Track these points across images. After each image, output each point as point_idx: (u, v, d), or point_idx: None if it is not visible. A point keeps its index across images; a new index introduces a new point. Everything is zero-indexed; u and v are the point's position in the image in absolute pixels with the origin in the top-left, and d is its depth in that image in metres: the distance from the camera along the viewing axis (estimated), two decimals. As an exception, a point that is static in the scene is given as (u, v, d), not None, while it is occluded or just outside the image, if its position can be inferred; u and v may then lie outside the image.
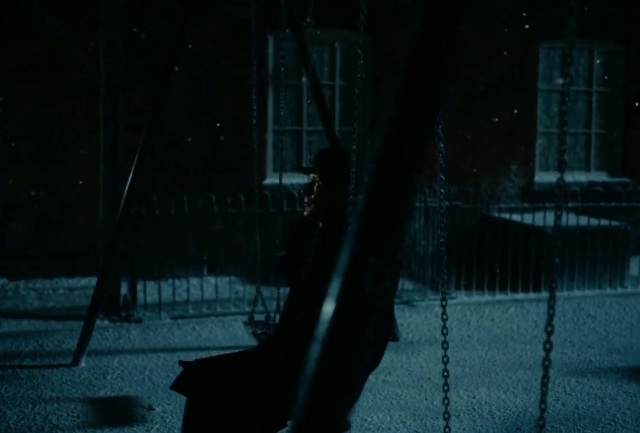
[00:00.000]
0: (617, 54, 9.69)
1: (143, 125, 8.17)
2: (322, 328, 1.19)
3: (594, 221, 8.24)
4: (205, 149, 8.62)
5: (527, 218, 8.20)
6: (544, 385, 2.29)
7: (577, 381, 5.38)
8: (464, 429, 4.55)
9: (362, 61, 2.86)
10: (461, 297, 7.78)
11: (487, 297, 7.79)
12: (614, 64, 9.72)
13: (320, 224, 3.40)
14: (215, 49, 8.49)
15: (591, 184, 9.47)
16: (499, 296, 7.83)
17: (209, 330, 6.68)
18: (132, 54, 7.76)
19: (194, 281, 7.92)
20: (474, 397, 5.06)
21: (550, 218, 8.12)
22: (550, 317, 2.19)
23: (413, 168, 1.17)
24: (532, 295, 7.90)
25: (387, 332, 3.17)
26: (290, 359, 3.20)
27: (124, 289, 7.30)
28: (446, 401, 2.85)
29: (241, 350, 3.62)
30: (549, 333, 2.17)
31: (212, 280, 8.11)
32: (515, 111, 9.29)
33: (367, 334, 1.18)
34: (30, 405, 4.87)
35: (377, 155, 1.20)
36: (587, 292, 8.13)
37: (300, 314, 3.31)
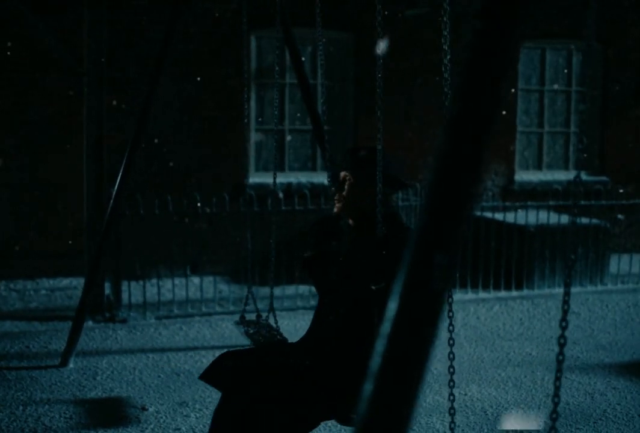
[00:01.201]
0: (596, 53, 9.80)
1: (125, 124, 8.16)
2: (388, 325, 1.20)
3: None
4: (188, 148, 8.59)
5: (509, 217, 8.27)
6: (557, 379, 2.32)
7: (565, 377, 5.44)
8: (458, 426, 4.58)
9: (381, 61, 2.86)
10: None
11: (470, 295, 7.84)
12: (592, 64, 9.83)
13: (350, 221, 3.39)
14: (197, 48, 8.46)
15: (570, 182, 9.56)
16: (482, 294, 7.88)
17: (196, 330, 6.67)
18: (115, 53, 7.72)
19: (177, 281, 7.88)
20: (465, 394, 5.10)
21: (532, 217, 8.21)
22: (565, 312, 2.21)
23: (476, 166, 1.19)
24: (514, 293, 7.97)
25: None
26: (325, 362, 3.22)
27: (106, 289, 7.25)
28: (452, 397, 2.87)
29: (276, 342, 3.64)
30: (564, 328, 2.20)
31: (195, 280, 8.09)
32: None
33: (436, 330, 1.19)
34: (21, 407, 4.84)
35: (440, 154, 1.22)
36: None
37: (335, 313, 3.31)
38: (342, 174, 3.38)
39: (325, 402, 3.16)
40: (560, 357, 2.33)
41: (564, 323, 2.24)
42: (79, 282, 8.32)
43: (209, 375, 3.31)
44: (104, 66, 6.81)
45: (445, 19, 2.57)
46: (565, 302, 2.25)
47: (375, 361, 1.20)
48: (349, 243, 3.38)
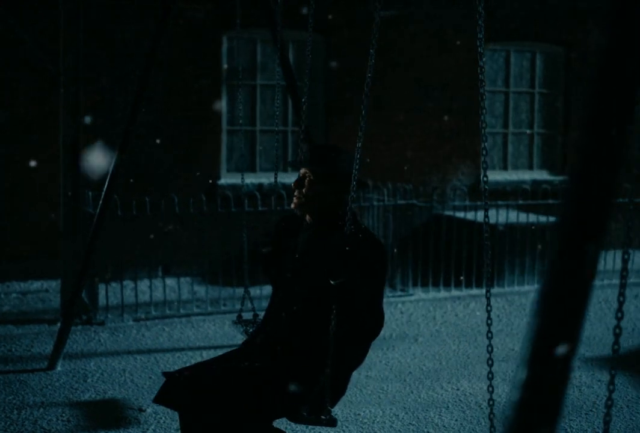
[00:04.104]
0: (558, 56, 10.04)
1: (100, 126, 8.10)
2: (534, 314, 1.26)
3: (542, 218, 8.52)
4: (160, 148, 8.55)
5: (480, 216, 8.42)
6: (613, 368, 2.42)
7: (551, 371, 5.58)
8: (456, 420, 4.68)
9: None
10: (418, 294, 7.94)
11: (443, 293, 7.96)
12: (555, 66, 10.07)
13: (308, 219, 3.34)
14: (169, 49, 8.42)
15: (534, 182, 9.78)
16: (455, 292, 8.01)
17: (179, 331, 6.65)
18: (90, 53, 7.64)
19: (149, 282, 7.82)
20: (457, 389, 5.20)
21: (501, 216, 8.39)
22: (620, 304, 2.32)
23: (619, 158, 1.26)
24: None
25: (370, 326, 3.08)
26: (278, 360, 3.22)
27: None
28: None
29: (222, 354, 3.56)
30: (619, 319, 2.30)
31: (169, 281, 8.05)
32: (462, 112, 9.51)
33: (583, 318, 1.26)
34: (15, 411, 4.78)
35: (584, 149, 1.28)
36: (537, 286, 8.37)
37: (288, 310, 3.28)
38: (302, 171, 3.31)
39: (278, 400, 3.15)
40: (616, 347, 2.44)
41: (619, 314, 2.35)
42: (50, 285, 8.23)
43: (164, 397, 3.25)
44: (80, 66, 6.74)
45: (480, 22, 2.64)
46: (621, 294, 2.35)
47: (525, 350, 1.26)
48: (305, 240, 3.35)
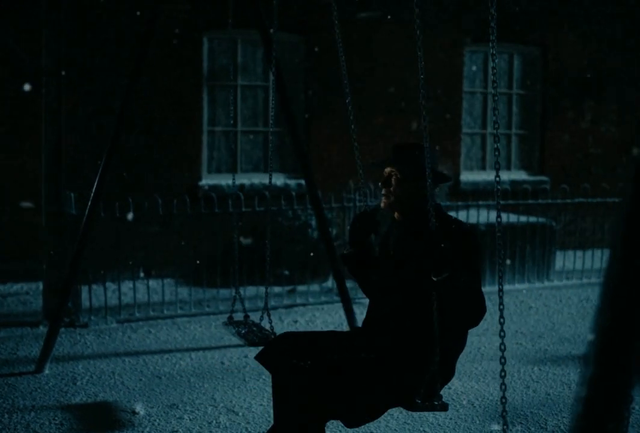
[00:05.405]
0: (535, 57, 10.14)
1: (81, 126, 8.03)
2: (600, 312, 1.28)
3: (522, 218, 8.60)
4: (140, 149, 8.50)
5: (460, 217, 8.48)
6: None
7: (539, 369, 5.64)
8: (451, 419, 4.70)
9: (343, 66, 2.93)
10: (401, 294, 7.96)
11: (426, 293, 7.98)
12: (532, 68, 10.17)
13: (397, 216, 3.46)
14: (150, 49, 8.36)
15: (513, 182, 9.86)
16: (437, 292, 8.03)
17: (166, 333, 6.61)
18: (71, 53, 7.58)
19: (131, 284, 7.76)
20: (449, 388, 5.22)
21: (482, 215, 8.46)
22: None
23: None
24: (467, 290, 8.15)
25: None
26: (389, 353, 3.31)
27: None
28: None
29: (327, 332, 3.67)
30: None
31: (152, 282, 8.00)
32: (441, 112, 9.57)
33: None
34: (6, 415, 4.72)
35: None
36: (517, 285, 8.47)
37: (391, 305, 3.38)
38: (388, 169, 3.44)
39: (391, 391, 3.26)
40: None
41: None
42: (30, 287, 8.14)
43: (266, 358, 3.41)
44: (62, 66, 6.67)
45: (492, 24, 2.66)
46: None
47: (589, 348, 1.28)
48: (397, 238, 3.47)
